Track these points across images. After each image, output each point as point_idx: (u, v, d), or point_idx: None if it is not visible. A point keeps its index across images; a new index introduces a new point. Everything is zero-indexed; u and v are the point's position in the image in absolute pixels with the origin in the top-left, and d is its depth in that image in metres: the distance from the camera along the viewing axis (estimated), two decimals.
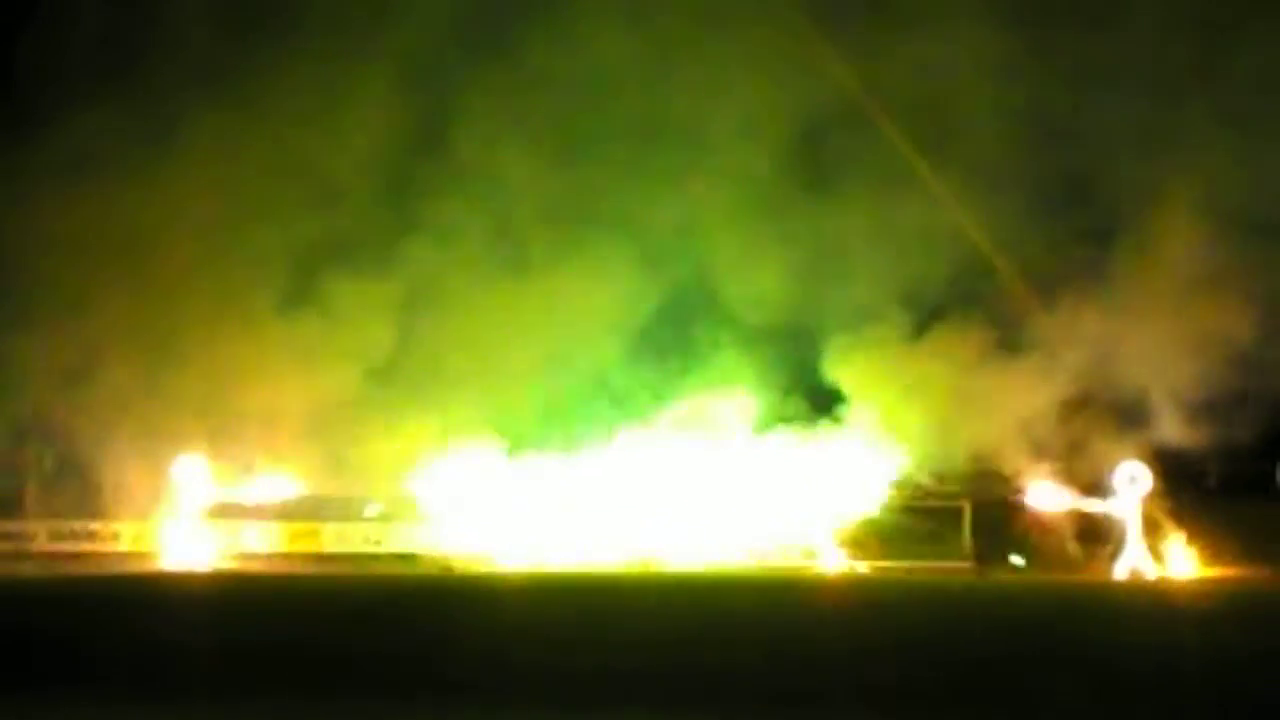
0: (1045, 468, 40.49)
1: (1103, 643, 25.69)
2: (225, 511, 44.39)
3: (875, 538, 41.85)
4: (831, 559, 41.60)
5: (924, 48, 41.09)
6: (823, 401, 42.43)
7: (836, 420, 42.10)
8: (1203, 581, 38.58)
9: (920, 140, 41.73)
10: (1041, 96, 40.36)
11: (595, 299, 42.73)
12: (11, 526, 45.64)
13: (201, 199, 43.56)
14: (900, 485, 41.90)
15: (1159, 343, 39.45)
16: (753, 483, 42.05)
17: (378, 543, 44.24)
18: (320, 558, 43.93)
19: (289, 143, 43.08)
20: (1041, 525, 40.63)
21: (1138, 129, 39.76)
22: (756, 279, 42.16)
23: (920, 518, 42.02)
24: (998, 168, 40.40)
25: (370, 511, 44.46)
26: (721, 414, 42.26)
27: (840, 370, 42.00)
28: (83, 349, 43.02)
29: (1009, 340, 41.50)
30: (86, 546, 44.85)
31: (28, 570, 40.37)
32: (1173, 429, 39.30)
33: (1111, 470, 39.46)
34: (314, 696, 20.10)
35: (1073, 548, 40.42)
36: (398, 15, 43.68)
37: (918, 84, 41.44)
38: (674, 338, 43.31)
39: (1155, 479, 39.07)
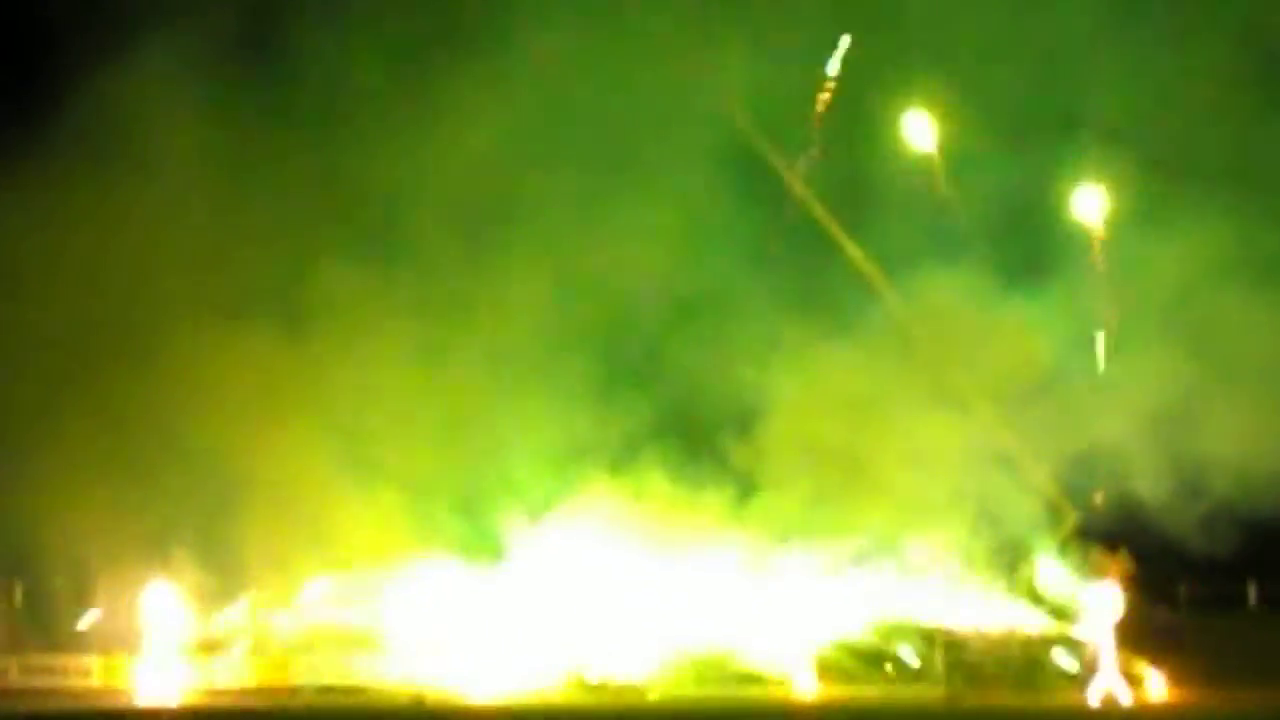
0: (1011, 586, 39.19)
1: None
2: (198, 645, 44.14)
3: (847, 662, 40.52)
4: (804, 684, 40.27)
5: None
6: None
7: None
8: (1179, 706, 36.94)
9: None
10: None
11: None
12: None
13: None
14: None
15: (1125, 452, 38.11)
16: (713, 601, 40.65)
17: (346, 675, 43.42)
18: (292, 690, 43.46)
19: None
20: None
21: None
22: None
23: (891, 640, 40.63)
24: None
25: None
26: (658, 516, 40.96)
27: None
28: (50, 476, 42.81)
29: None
30: (58, 682, 44.55)
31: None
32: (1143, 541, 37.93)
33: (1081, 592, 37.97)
34: None
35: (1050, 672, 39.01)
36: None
37: None
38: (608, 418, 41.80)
39: (1125, 598, 37.47)
